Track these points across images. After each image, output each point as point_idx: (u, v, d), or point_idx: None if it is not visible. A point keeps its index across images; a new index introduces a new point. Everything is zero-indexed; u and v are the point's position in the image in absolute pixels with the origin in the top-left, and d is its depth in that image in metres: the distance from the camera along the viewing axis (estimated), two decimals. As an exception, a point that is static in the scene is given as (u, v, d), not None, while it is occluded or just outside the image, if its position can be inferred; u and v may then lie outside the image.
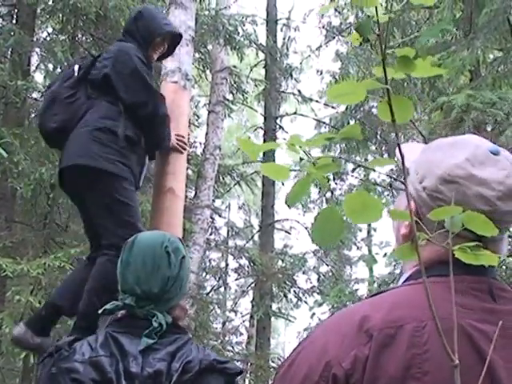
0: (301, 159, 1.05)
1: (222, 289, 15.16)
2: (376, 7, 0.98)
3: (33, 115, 8.79)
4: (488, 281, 1.22)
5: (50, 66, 8.68)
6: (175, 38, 3.99)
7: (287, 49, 15.53)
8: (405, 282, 1.30)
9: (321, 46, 14.91)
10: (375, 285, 9.96)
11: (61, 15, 8.22)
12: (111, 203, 3.38)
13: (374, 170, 1.16)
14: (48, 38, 9.05)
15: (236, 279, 14.21)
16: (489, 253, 1.05)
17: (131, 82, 3.58)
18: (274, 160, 8.40)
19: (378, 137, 13.70)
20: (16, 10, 8.78)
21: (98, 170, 3.39)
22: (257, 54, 14.22)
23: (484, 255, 1.06)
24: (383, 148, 14.00)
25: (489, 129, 7.62)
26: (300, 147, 1.03)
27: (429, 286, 0.99)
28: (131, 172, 3.51)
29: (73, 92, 3.54)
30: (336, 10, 14.20)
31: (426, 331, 1.12)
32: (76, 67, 3.59)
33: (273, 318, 14.55)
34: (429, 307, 0.96)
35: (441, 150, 1.30)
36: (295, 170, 13.92)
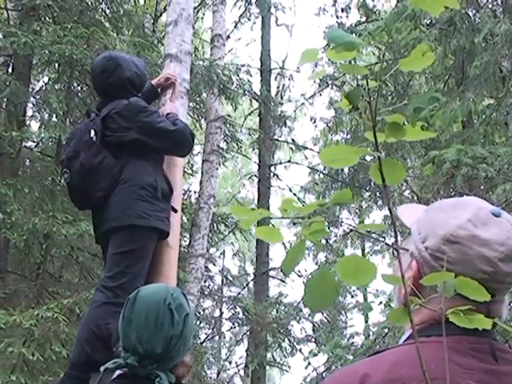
0: (294, 223, 1.05)
1: (216, 338, 14.98)
2: (366, 75, 0.99)
3: (27, 164, 8.80)
4: (489, 342, 1.22)
5: (46, 116, 8.70)
6: None
7: (281, 97, 15.64)
8: (405, 340, 1.31)
9: (314, 95, 14.98)
10: (371, 337, 9.83)
11: (57, 65, 8.28)
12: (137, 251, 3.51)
13: (365, 234, 1.16)
14: (44, 88, 9.10)
15: (230, 328, 14.06)
16: (482, 316, 1.06)
17: (159, 135, 3.69)
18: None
19: (372, 184, 13.73)
20: (12, 60, 8.85)
21: (150, 228, 3.55)
22: (251, 102, 14.32)
23: (477, 319, 1.06)
24: (377, 195, 14.02)
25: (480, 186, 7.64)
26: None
27: (428, 346, 0.98)
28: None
29: (101, 157, 3.59)
30: (329, 58, 14.32)
31: (426, 390, 1.11)
32: (92, 133, 3.62)
33: (267, 367, 14.35)
34: (421, 369, 0.96)
35: (443, 211, 1.31)
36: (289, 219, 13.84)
